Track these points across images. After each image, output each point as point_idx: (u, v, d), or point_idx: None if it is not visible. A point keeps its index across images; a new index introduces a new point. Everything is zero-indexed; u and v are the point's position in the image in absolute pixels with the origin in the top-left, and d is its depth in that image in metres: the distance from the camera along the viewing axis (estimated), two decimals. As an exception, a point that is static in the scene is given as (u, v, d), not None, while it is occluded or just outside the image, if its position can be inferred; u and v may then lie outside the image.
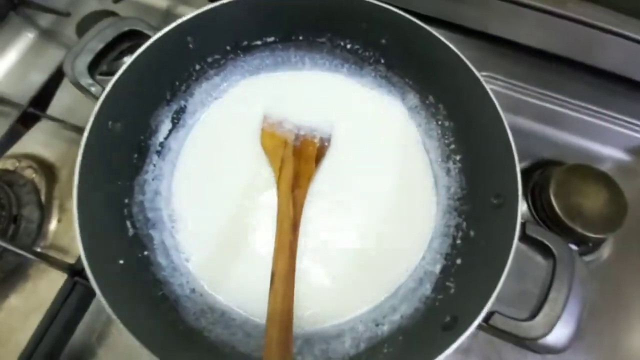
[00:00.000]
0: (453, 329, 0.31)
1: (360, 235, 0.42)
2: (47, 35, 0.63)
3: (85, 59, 0.38)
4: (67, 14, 0.57)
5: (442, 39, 0.40)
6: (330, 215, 0.42)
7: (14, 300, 0.48)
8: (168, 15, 0.65)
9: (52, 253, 0.51)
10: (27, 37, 0.62)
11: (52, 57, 0.61)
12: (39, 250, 0.50)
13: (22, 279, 0.49)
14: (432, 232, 0.42)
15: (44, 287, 0.49)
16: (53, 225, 0.52)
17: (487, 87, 0.38)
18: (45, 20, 0.63)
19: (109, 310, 0.29)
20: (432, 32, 0.41)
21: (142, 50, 0.39)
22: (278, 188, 0.40)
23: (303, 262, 0.39)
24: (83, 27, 0.56)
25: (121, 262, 0.35)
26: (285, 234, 0.36)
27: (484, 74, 0.58)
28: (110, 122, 0.38)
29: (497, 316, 0.32)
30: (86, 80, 0.38)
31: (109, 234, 0.36)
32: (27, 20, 0.62)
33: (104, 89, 0.37)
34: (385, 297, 0.39)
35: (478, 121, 0.40)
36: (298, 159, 0.43)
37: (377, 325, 0.37)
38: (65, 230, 0.52)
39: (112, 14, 0.58)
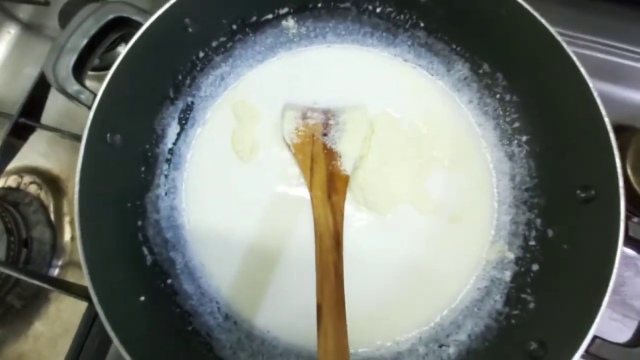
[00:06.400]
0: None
1: (406, 242, 0.36)
2: (31, 29, 0.56)
3: (68, 60, 0.31)
4: (46, 3, 0.49)
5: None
6: (369, 222, 0.36)
7: (40, 326, 0.45)
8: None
9: (71, 271, 0.47)
10: (9, 34, 0.56)
11: (41, 52, 0.55)
12: (56, 271, 0.47)
13: (44, 304, 0.46)
14: (494, 230, 0.36)
15: (68, 310, 0.45)
16: (67, 242, 0.48)
17: (567, 47, 0.30)
18: (25, 12, 0.56)
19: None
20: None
21: (134, 42, 0.32)
22: (312, 195, 0.34)
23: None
24: (66, 17, 0.48)
25: (142, 298, 0.31)
26: (327, 252, 0.30)
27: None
28: (108, 135, 0.32)
29: (599, 342, 0.26)
30: (72, 87, 0.31)
31: (123, 266, 0.31)
32: (6, 14, 0.55)
33: (95, 95, 0.31)
34: (443, 312, 0.34)
35: (552, 91, 0.32)
36: (330, 156, 0.36)
37: (440, 346, 0.32)
38: (81, 247, 0.48)
39: (97, -3, 0.50)
